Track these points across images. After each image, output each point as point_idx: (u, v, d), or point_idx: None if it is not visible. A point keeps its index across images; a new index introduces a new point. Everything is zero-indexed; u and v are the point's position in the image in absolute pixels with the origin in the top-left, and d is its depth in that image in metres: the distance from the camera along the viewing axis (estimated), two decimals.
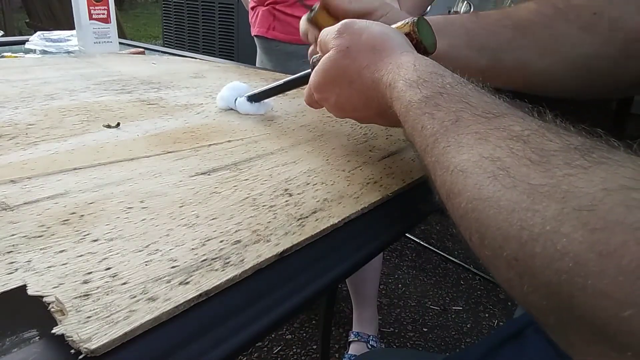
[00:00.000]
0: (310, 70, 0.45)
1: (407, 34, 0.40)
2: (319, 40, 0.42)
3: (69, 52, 0.92)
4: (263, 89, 0.54)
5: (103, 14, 0.93)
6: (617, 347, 0.15)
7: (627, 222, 0.15)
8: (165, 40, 2.70)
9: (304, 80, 0.47)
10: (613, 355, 0.15)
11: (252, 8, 1.14)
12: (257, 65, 1.21)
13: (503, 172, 0.21)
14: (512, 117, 0.24)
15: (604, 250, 0.15)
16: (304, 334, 1.35)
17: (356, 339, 1.24)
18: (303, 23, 0.52)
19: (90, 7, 0.91)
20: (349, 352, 1.23)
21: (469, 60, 0.46)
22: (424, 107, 0.29)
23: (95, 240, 0.27)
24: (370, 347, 1.22)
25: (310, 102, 0.45)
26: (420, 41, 0.40)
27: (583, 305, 0.16)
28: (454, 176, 0.24)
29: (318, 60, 0.42)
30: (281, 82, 0.51)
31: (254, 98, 0.54)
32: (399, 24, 0.41)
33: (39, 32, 0.97)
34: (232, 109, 0.55)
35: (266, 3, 1.07)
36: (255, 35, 1.14)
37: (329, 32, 0.40)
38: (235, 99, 0.55)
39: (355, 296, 1.28)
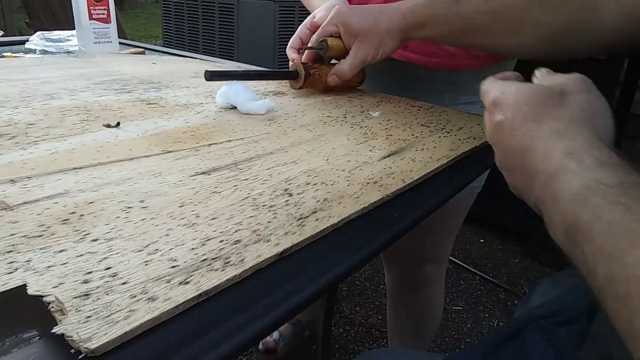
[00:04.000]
0: (291, 70, 0.45)
1: None
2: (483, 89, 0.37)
3: (69, 52, 0.92)
4: (234, 71, 0.54)
5: (103, 14, 0.93)
6: None
7: None
8: (165, 40, 2.70)
9: (279, 75, 0.48)
10: None
11: None
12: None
13: None
14: None
15: None
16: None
17: None
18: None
19: (90, 7, 0.91)
20: None
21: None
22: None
23: (95, 240, 0.27)
24: None
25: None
26: None
27: None
28: None
29: (296, 66, 0.42)
30: (259, 70, 0.52)
31: (216, 74, 0.55)
32: None
33: (39, 32, 0.97)
34: (231, 108, 0.55)
35: None
36: None
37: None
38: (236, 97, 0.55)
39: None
